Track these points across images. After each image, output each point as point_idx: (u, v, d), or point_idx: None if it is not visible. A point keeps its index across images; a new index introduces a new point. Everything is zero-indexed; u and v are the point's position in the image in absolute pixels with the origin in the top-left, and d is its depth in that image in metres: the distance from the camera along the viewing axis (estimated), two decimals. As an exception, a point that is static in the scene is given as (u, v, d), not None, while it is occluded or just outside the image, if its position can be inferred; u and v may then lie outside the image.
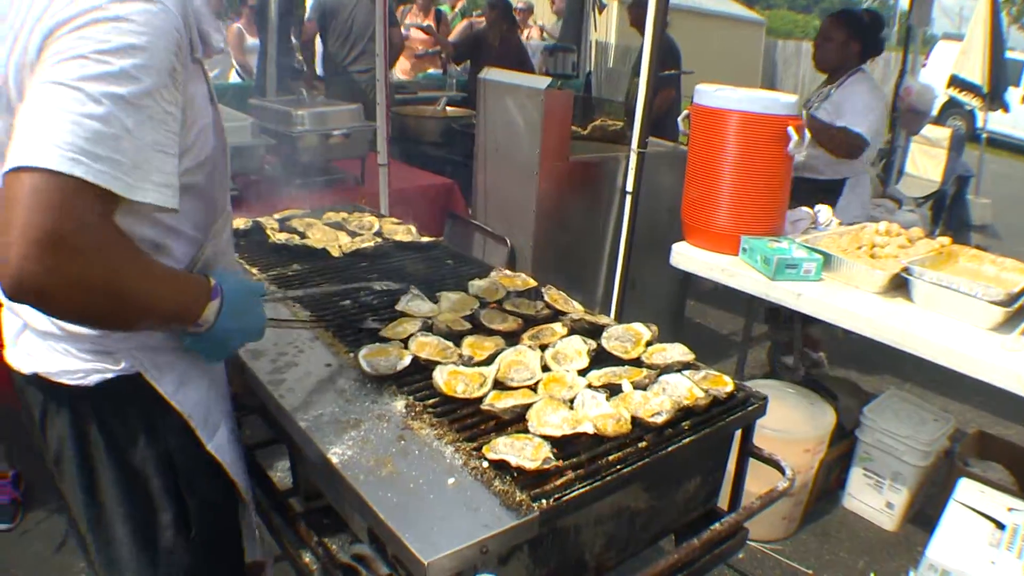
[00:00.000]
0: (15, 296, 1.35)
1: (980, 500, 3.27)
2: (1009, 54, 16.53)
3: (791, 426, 3.94)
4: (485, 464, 1.75)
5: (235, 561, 2.19)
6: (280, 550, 2.32)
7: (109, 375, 1.77)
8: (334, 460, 1.75)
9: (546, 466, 1.70)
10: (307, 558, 2.18)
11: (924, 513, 4.32)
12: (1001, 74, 10.40)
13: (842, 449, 4.37)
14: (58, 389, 1.78)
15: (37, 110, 1.36)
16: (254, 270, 2.89)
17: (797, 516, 4.23)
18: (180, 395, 1.85)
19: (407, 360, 2.16)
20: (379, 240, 3.16)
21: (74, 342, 1.75)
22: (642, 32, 6.89)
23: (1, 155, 1.51)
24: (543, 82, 4.89)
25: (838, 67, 5.15)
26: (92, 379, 1.76)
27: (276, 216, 3.40)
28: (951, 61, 11.30)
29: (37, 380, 1.80)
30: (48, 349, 1.77)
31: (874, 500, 4.35)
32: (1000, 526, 3.14)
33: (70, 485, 1.89)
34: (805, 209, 4.43)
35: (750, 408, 2.16)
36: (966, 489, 3.34)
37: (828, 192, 4.99)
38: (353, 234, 3.25)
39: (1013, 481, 4.14)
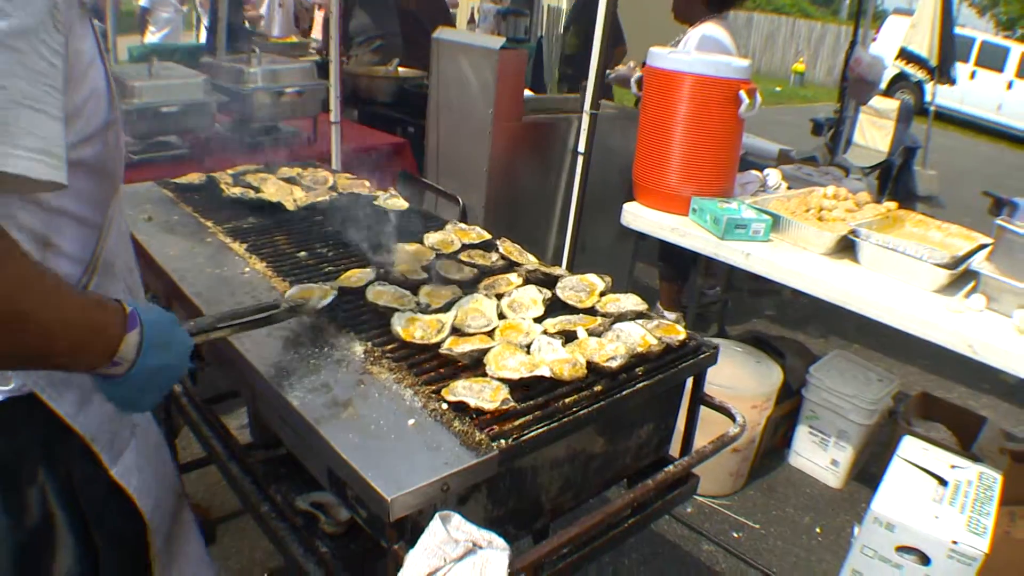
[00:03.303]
0: None
1: (923, 457, 3.35)
2: (959, 30, 16.73)
3: (739, 383, 4.01)
4: (444, 406, 1.78)
5: None
6: (240, 502, 2.33)
7: None
8: (295, 403, 1.76)
9: (504, 407, 1.73)
10: (265, 508, 2.20)
11: (868, 471, 4.43)
12: (950, 49, 10.52)
13: (788, 407, 4.46)
14: None
15: None
16: (209, 223, 2.88)
17: (744, 472, 4.31)
18: (82, 416, 1.60)
19: (330, 298, 2.13)
20: (334, 194, 3.16)
21: None
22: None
23: None
24: (497, 42, 4.91)
25: (690, 16, 5.06)
26: None
27: (230, 171, 3.38)
28: (901, 35, 11.40)
29: None
30: None
31: (819, 457, 4.45)
32: (943, 482, 3.21)
33: None
34: (754, 172, 4.49)
35: (702, 356, 2.21)
36: (910, 446, 3.42)
37: None
38: (308, 188, 3.25)
39: (956, 441, 4.23)
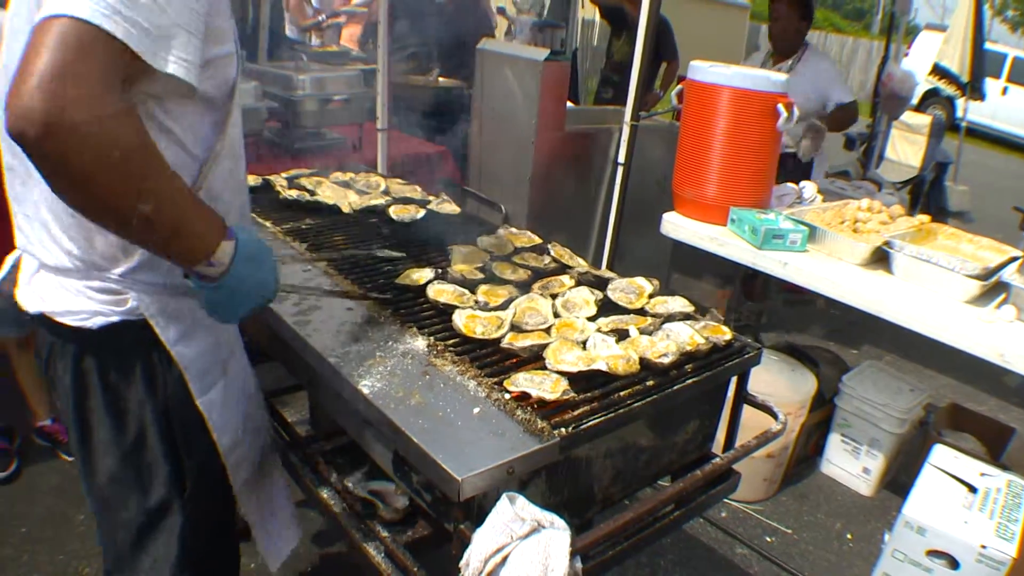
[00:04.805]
0: (17, 130, 1.31)
1: (954, 464, 3.41)
2: (992, 46, 16.68)
3: (773, 390, 4.07)
4: (507, 396, 1.89)
5: (229, 520, 2.21)
6: (301, 490, 2.43)
7: (114, 319, 1.78)
8: (365, 391, 1.87)
9: (565, 397, 1.84)
10: (325, 494, 2.30)
11: (899, 480, 4.49)
12: (980, 65, 10.56)
13: (821, 415, 4.53)
14: (62, 330, 1.80)
15: None
16: (268, 223, 2.99)
17: (777, 479, 4.38)
18: (181, 345, 1.85)
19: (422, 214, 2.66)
20: (387, 198, 3.26)
21: (86, 277, 1.75)
22: (600, 11, 7.03)
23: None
24: (541, 53, 5.00)
25: (796, 44, 5.37)
26: (95, 321, 1.78)
27: (284, 175, 3.48)
28: (933, 50, 11.45)
29: (43, 320, 1.82)
30: (58, 287, 1.78)
31: (851, 465, 4.52)
32: (973, 489, 3.28)
33: (71, 429, 1.92)
34: (790, 185, 4.56)
35: (747, 356, 2.31)
36: (940, 454, 3.48)
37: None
38: (361, 192, 3.35)
39: (985, 451, 4.29)
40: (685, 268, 6.60)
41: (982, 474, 3.37)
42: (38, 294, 1.82)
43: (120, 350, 1.83)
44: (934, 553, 3.15)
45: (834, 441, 4.59)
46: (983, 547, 3.01)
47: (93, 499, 1.98)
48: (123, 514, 1.95)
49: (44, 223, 1.75)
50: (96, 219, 1.52)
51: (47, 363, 1.91)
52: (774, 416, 2.41)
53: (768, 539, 4.07)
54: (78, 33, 1.34)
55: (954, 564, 3.10)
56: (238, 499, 2.18)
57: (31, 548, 3.50)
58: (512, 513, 1.60)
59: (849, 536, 4.17)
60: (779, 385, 4.19)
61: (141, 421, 1.88)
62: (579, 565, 1.68)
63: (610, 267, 4.34)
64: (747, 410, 2.51)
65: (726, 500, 4.17)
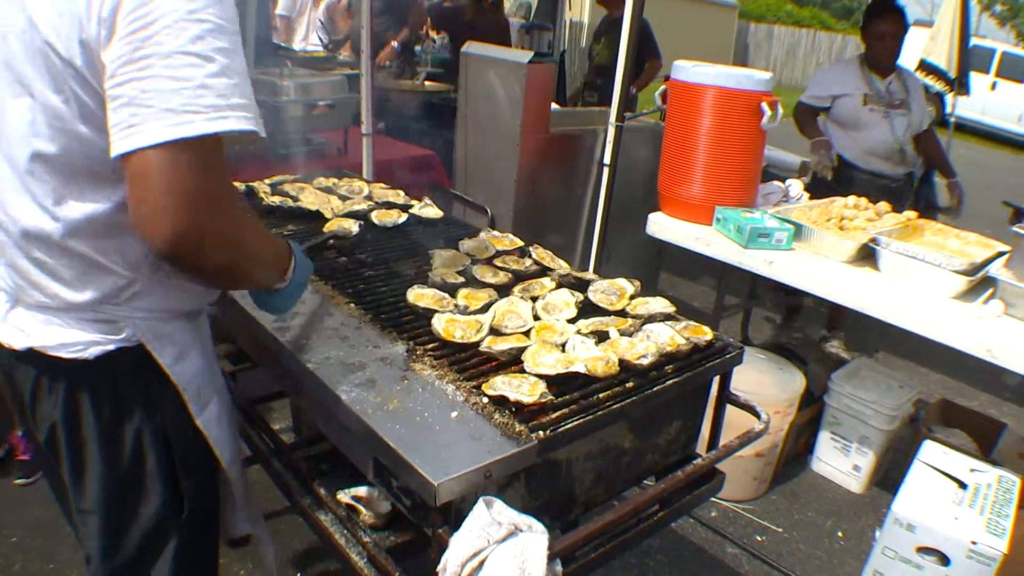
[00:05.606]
0: (173, 254, 1.41)
1: (944, 461, 3.42)
2: (980, 41, 16.67)
3: (761, 389, 4.08)
4: (485, 400, 1.87)
5: (215, 537, 2.19)
6: (284, 496, 2.42)
7: (110, 347, 1.74)
8: (343, 397, 1.86)
9: (543, 400, 1.83)
10: (308, 501, 2.29)
11: (889, 477, 4.49)
12: (966, 60, 10.56)
13: (811, 414, 4.53)
14: (53, 364, 1.74)
15: (160, 84, 1.37)
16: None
17: (767, 477, 4.38)
18: (178, 367, 1.86)
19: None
20: (370, 203, 3.26)
21: (73, 313, 1.72)
22: (608, 8, 7.12)
23: (48, 126, 1.52)
24: (525, 56, 5.01)
25: (893, 63, 5.59)
26: (91, 352, 1.73)
27: (267, 181, 3.47)
28: (921, 46, 11.43)
29: (31, 356, 1.75)
30: (45, 323, 1.73)
31: (841, 463, 4.51)
32: (963, 485, 3.28)
33: (62, 465, 1.86)
34: (776, 183, 4.57)
35: (728, 356, 2.30)
36: (930, 450, 3.48)
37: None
38: (344, 198, 3.34)
39: (975, 447, 4.29)
40: (674, 268, 6.62)
41: (972, 470, 3.37)
42: (18, 329, 1.76)
43: (116, 378, 1.80)
44: (924, 550, 3.15)
45: (824, 439, 4.58)
46: (973, 543, 3.01)
47: (86, 527, 1.92)
48: (119, 539, 1.92)
49: (21, 272, 1.72)
50: (216, 287, 1.94)
51: (32, 398, 1.83)
52: (757, 415, 2.40)
53: (759, 538, 4.06)
54: (202, 151, 1.41)
55: (945, 560, 3.10)
56: (238, 510, 2.24)
57: (22, 557, 3.49)
58: (489, 517, 1.60)
59: (840, 534, 4.17)
60: (767, 384, 4.18)
61: (138, 446, 1.85)
62: (558, 568, 1.67)
63: (597, 268, 4.34)
64: (735, 410, 2.50)
65: (716, 500, 4.17)
